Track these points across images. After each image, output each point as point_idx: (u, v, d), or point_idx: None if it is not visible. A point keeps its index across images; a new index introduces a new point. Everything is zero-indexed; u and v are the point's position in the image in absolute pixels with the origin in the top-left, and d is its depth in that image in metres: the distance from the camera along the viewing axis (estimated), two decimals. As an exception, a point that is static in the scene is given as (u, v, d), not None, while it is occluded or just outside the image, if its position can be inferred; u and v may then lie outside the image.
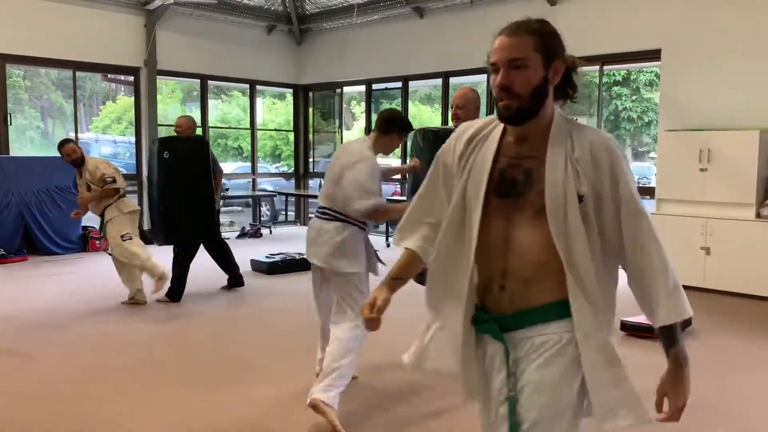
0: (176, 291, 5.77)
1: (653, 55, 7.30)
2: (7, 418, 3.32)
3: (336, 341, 3.33)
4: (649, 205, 7.39)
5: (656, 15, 7.21)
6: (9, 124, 8.63)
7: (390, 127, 3.57)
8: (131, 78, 9.88)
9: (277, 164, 20.18)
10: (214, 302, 5.87)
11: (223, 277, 6.37)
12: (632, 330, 4.90)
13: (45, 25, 8.59)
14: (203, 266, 6.25)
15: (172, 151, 5.72)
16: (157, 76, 9.71)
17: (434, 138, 3.93)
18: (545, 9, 8.12)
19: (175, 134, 6.10)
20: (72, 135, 9.72)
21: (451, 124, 4.17)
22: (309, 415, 3.17)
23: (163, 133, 9.99)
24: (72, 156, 5.56)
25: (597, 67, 8.02)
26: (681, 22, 7.01)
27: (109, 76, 12.00)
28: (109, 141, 21.04)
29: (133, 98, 26.51)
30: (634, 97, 23.60)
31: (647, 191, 19.45)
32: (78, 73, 9.50)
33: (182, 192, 5.73)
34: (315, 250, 3.51)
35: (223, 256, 6.25)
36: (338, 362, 3.23)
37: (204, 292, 6.14)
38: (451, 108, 3.94)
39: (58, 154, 5.85)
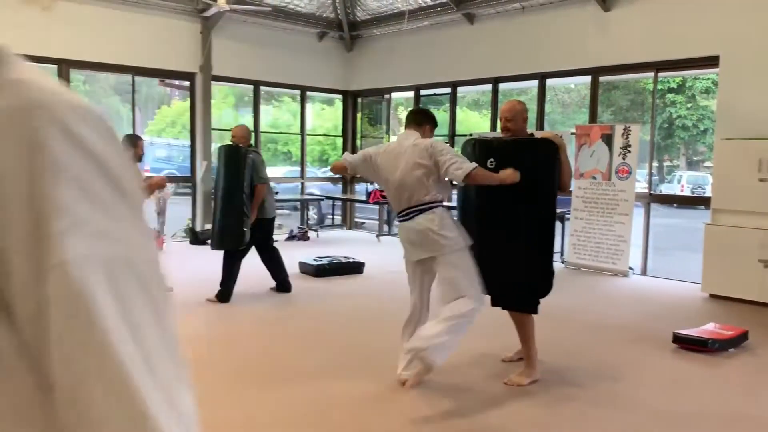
0: (225, 292, 5.90)
1: (711, 62, 7.11)
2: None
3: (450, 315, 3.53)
4: (704, 215, 7.18)
5: (714, 21, 7.03)
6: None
7: (423, 120, 3.91)
8: (187, 83, 10.15)
9: (324, 169, 20.43)
10: (261, 303, 5.97)
11: (270, 279, 6.48)
12: (684, 343, 4.78)
13: (106, 32, 8.93)
14: (254, 268, 6.36)
15: (219, 160, 5.98)
16: (212, 82, 9.96)
17: (486, 147, 3.94)
18: (599, 15, 8.02)
19: (231, 143, 6.15)
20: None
21: (498, 132, 4.23)
22: (362, 414, 3.20)
23: (215, 137, 10.22)
24: (143, 151, 5.98)
25: (651, 74, 7.88)
26: (740, 29, 6.82)
27: (165, 81, 12.29)
28: (164, 144, 21.63)
29: (186, 102, 26.95)
30: (689, 105, 23.00)
31: (702, 201, 18.77)
32: (135, 78, 9.81)
33: (221, 200, 5.91)
34: (416, 249, 3.74)
35: (271, 263, 6.32)
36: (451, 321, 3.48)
37: (253, 293, 6.25)
38: (500, 120, 3.98)
39: None
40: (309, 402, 3.61)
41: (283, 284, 6.35)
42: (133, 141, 6.06)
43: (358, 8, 10.86)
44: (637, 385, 4.00)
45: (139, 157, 5.93)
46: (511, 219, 3.86)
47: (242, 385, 3.86)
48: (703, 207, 19.32)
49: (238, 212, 5.80)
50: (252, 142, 6.33)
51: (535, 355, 4.00)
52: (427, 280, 3.86)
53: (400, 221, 3.83)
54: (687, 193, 20.76)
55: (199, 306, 5.78)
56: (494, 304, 3.99)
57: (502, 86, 9.73)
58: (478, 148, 3.94)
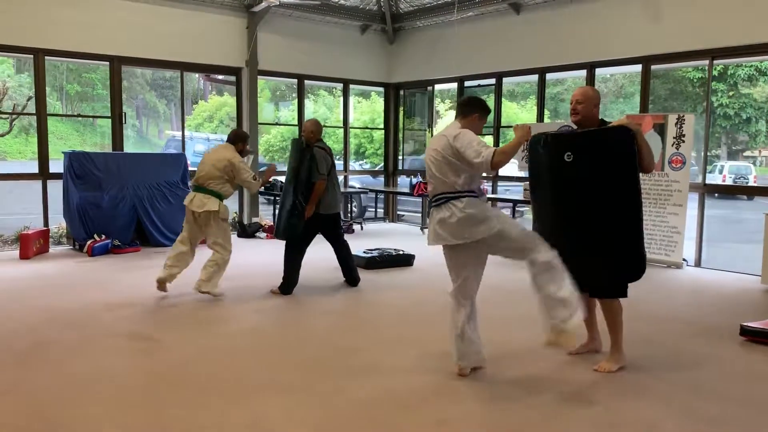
0: (287, 284, 5.97)
1: (769, 48, 6.95)
2: (147, 394, 3.56)
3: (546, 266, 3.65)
4: (746, 205, 6.95)
5: (774, 6, 6.86)
6: (124, 122, 9.17)
7: (469, 109, 3.86)
8: (232, 78, 10.26)
9: (361, 161, 20.47)
10: (321, 295, 6.03)
11: (336, 273, 6.56)
12: (753, 335, 4.70)
13: (154, 28, 9.07)
14: (321, 260, 6.42)
15: (290, 152, 6.08)
16: (258, 76, 10.05)
17: (560, 142, 3.94)
18: (651, 1, 7.87)
19: (300, 137, 6.20)
20: (170, 132, 10.23)
21: (558, 120, 4.19)
22: (422, 407, 3.22)
23: (261, 130, 10.30)
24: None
25: (707, 62, 7.73)
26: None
27: (210, 76, 12.44)
28: (202, 138, 21.91)
29: (224, 97, 27.13)
30: (731, 93, 22.47)
31: (744, 190, 18.30)
32: (169, 73, 9.97)
33: (283, 192, 6.05)
34: (439, 235, 3.75)
35: (340, 257, 6.36)
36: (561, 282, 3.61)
37: (316, 285, 6.31)
38: (570, 104, 3.95)
39: (157, 151, 6.27)
40: (383, 393, 3.64)
41: (351, 278, 6.40)
42: (241, 136, 6.03)
43: (402, 0, 10.84)
44: (715, 376, 3.97)
45: (242, 152, 5.91)
46: (599, 207, 3.86)
47: (316, 377, 3.91)
48: (745, 197, 19.06)
49: (292, 205, 5.87)
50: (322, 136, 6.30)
51: (621, 341, 4.03)
52: (466, 261, 3.82)
53: (430, 207, 3.88)
54: (729, 182, 20.32)
55: (263, 298, 5.87)
56: (583, 291, 3.95)
57: (548, 76, 9.62)
58: (552, 144, 3.92)
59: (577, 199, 3.92)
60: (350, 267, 6.38)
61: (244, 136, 6.04)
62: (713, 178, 20.72)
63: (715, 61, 7.75)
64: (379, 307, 5.69)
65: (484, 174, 4.12)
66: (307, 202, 5.85)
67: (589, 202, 3.88)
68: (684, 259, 7.64)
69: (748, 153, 26.61)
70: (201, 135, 22.36)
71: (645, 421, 3.30)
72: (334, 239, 6.25)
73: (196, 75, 21.64)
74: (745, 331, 4.75)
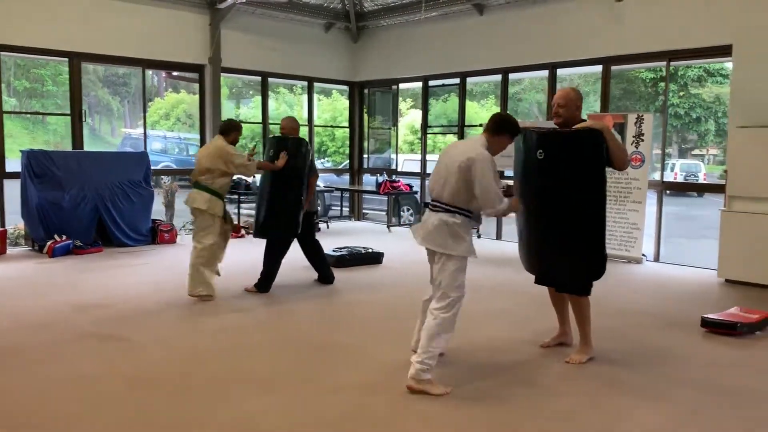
0: (266, 282, 5.95)
1: (723, 51, 7.24)
2: (126, 396, 3.52)
3: (432, 318, 3.67)
4: (696, 202, 7.25)
5: (727, 10, 7.15)
6: (84, 120, 8.96)
7: (501, 129, 3.83)
8: (195, 75, 10.13)
9: (322, 160, 20.41)
10: (296, 294, 6.02)
11: (312, 271, 6.56)
12: (714, 327, 4.91)
13: (116, 25, 8.89)
14: (293, 259, 6.44)
15: (274, 151, 5.87)
16: (222, 74, 9.94)
17: (537, 138, 4.01)
18: (610, 5, 8.11)
19: (280, 134, 6.10)
20: (126, 130, 10.02)
21: (535, 120, 4.31)
22: (399, 399, 3.28)
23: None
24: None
25: (664, 63, 8.00)
26: (754, 17, 6.94)
27: (172, 73, 12.24)
28: (159, 137, 21.51)
29: (180, 95, 26.48)
30: (681, 93, 23.21)
31: (695, 188, 18.78)
32: (122, 70, 9.79)
33: (273, 190, 5.90)
34: (427, 237, 3.78)
35: (314, 256, 6.38)
36: (435, 339, 3.62)
37: (290, 284, 6.31)
38: (552, 106, 4.04)
39: (112, 149, 6.12)
40: (361, 389, 3.69)
41: (325, 276, 6.41)
42: (233, 126, 5.84)
43: (366, -1, 10.89)
44: (681, 365, 4.14)
45: (234, 142, 5.79)
46: (564, 207, 3.96)
47: (298, 375, 3.93)
48: (695, 194, 19.73)
49: (294, 202, 5.86)
50: (302, 134, 6.25)
51: (589, 333, 4.19)
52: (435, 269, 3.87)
53: (429, 207, 3.88)
54: (680, 179, 20.97)
55: (239, 297, 5.84)
56: (543, 283, 4.27)
57: (512, 76, 9.80)
58: (530, 138, 4.01)
59: (544, 198, 4.01)
60: (325, 265, 6.41)
61: (236, 126, 5.83)
62: (666, 176, 21.33)
63: (671, 63, 8.02)
64: (355, 304, 5.73)
65: None
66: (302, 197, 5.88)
67: (555, 202, 3.97)
68: (643, 255, 7.90)
69: (696, 151, 27.52)
70: (158, 133, 21.95)
71: (617, 409, 3.43)
72: (309, 237, 6.26)
73: (150, 72, 21.27)
74: (706, 323, 4.97)
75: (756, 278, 6.55)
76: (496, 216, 3.75)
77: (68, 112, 8.99)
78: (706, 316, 5.02)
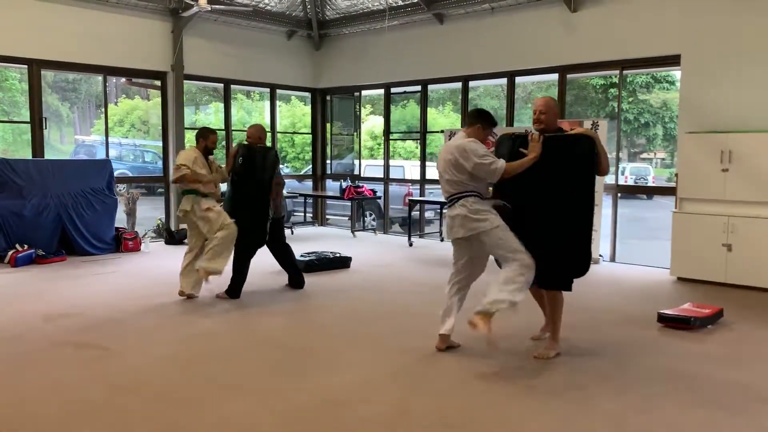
0: (236, 287, 6.01)
1: (673, 60, 7.62)
2: (105, 403, 3.56)
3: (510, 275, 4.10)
4: (645, 204, 7.54)
5: (676, 21, 7.54)
6: (45, 128, 8.83)
7: (472, 118, 4.36)
8: (158, 82, 10.07)
9: (282, 166, 20.37)
10: (267, 299, 6.09)
11: (282, 276, 6.64)
12: (669, 322, 5.21)
13: (76, 31, 8.80)
14: (263, 265, 6.48)
15: (246, 159, 5.89)
16: (184, 81, 9.92)
17: (527, 145, 4.26)
18: (566, 15, 8.44)
19: (246, 142, 6.09)
20: (79, 137, 9.89)
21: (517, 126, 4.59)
22: (378, 401, 3.41)
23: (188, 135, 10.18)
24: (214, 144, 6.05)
25: (617, 72, 8.35)
26: (700, 28, 7.35)
27: (132, 80, 12.11)
28: (114, 143, 21.10)
29: (135, 101, 25.92)
30: (630, 99, 24.04)
31: (647, 190, 19.49)
32: (74, 76, 9.68)
33: (244, 198, 5.95)
34: (457, 229, 4.24)
35: (285, 260, 6.46)
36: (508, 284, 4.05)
37: (260, 290, 6.37)
38: (534, 113, 4.28)
39: (64, 157, 6.17)
40: (334, 389, 3.80)
41: (296, 280, 6.49)
42: (200, 133, 5.97)
43: (328, 7, 11.00)
44: (642, 357, 4.40)
45: (213, 150, 6.01)
46: (554, 207, 4.19)
47: (273, 378, 4.02)
48: (645, 197, 20.45)
49: (264, 211, 5.95)
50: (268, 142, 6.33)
51: (559, 330, 4.47)
52: (469, 254, 4.37)
53: (446, 207, 4.39)
54: (630, 183, 21.70)
55: (210, 303, 5.87)
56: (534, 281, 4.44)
57: (472, 83, 10.07)
58: (519, 145, 4.24)
59: (540, 197, 4.22)
60: (297, 270, 6.49)
61: (203, 132, 5.96)
62: (618, 180, 22.03)
63: (624, 72, 8.39)
64: (326, 308, 5.84)
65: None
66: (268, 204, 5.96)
67: (549, 203, 4.19)
68: (600, 255, 8.23)
69: (645, 155, 28.48)
70: (112, 140, 21.55)
71: (583, 399, 3.64)
72: (279, 242, 6.34)
73: (99, 77, 20.80)
74: (662, 318, 5.26)
75: (706, 276, 6.91)
76: (504, 177, 4.09)
77: (22, 119, 8.82)
78: (662, 311, 5.31)
